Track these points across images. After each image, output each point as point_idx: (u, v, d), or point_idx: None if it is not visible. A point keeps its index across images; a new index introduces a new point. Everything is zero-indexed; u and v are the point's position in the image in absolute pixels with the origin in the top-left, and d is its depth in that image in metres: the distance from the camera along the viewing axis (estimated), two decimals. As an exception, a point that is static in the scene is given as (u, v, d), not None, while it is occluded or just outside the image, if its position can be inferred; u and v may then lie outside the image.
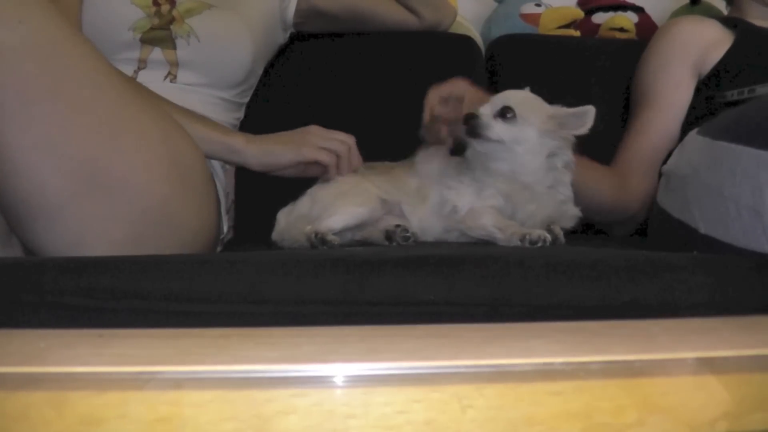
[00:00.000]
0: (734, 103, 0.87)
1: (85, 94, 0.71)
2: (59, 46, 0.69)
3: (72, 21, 0.97)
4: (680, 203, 0.80)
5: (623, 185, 1.09)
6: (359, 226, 0.86)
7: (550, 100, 0.88)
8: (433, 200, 0.88)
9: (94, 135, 0.71)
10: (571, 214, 0.87)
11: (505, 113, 0.84)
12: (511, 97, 0.87)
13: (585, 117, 0.84)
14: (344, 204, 0.86)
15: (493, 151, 0.85)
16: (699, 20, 1.20)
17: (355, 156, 0.92)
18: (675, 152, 0.88)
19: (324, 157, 0.90)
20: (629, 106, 1.21)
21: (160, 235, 0.76)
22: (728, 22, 1.18)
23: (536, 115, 0.85)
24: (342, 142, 0.91)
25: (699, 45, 1.14)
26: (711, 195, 0.70)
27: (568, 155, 0.86)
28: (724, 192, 0.67)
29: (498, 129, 0.84)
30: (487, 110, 0.85)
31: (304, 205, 0.89)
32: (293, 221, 0.88)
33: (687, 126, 1.07)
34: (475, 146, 0.86)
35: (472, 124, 0.84)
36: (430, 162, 0.92)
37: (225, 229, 0.99)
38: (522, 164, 0.84)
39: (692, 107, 1.10)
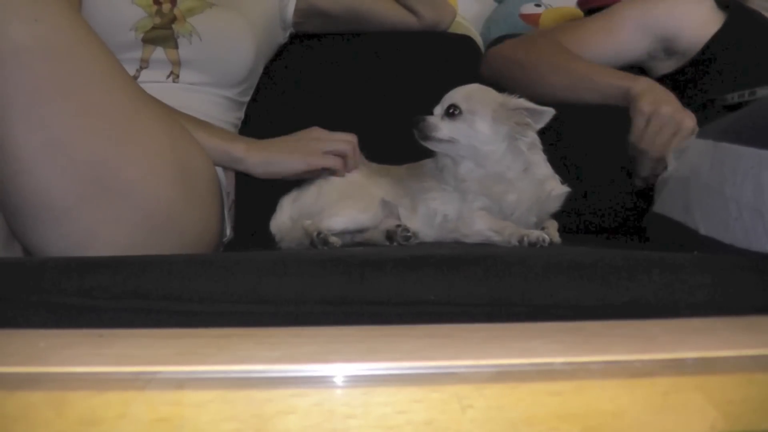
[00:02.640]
0: (734, 107, 0.87)
1: (96, 97, 0.71)
2: (74, 48, 0.69)
3: None
4: (681, 205, 0.80)
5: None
6: (360, 230, 0.86)
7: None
8: (421, 212, 0.88)
9: (103, 138, 0.71)
10: (557, 193, 0.86)
11: (451, 111, 0.84)
12: (456, 93, 0.86)
13: (542, 115, 0.84)
14: (347, 207, 0.85)
15: (451, 152, 0.85)
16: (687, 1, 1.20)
17: (357, 154, 0.92)
18: (673, 159, 0.88)
19: (330, 163, 0.90)
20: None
21: (164, 239, 0.76)
22: (721, 3, 1.17)
23: (484, 105, 0.84)
24: (346, 142, 0.91)
25: (671, 24, 1.15)
26: (712, 195, 0.70)
27: (530, 136, 0.84)
28: (726, 192, 0.67)
29: (446, 128, 0.84)
30: (438, 111, 0.86)
31: (309, 196, 0.89)
32: (297, 217, 0.88)
33: None
34: (430, 148, 0.86)
35: (420, 128, 0.84)
36: (413, 176, 0.92)
37: (228, 231, 0.99)
38: (485, 156, 0.84)
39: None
